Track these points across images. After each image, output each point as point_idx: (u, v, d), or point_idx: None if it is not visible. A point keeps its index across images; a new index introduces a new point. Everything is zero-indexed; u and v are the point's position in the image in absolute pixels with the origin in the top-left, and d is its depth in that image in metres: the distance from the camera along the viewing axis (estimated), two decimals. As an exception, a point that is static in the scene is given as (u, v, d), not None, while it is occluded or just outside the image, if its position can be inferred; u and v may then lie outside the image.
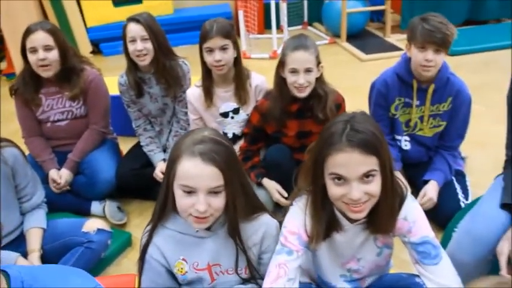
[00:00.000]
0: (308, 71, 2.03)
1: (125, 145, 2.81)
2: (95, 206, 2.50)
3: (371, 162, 1.21)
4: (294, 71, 2.04)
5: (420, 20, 2.06)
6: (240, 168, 1.35)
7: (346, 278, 1.49)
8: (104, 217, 2.44)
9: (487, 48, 4.58)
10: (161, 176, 2.36)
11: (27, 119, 2.48)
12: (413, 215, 1.36)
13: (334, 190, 1.25)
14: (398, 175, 2.14)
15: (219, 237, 1.39)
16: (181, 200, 1.26)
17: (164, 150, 2.61)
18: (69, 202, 2.47)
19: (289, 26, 5.38)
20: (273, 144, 2.32)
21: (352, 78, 4.02)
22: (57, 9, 5.37)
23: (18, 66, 4.89)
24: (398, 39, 5.05)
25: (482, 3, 5.22)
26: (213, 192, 1.24)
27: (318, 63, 2.08)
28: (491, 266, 1.58)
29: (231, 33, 2.24)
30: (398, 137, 2.33)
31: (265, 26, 5.68)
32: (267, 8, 5.42)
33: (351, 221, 1.35)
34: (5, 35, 4.98)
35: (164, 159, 2.51)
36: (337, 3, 5.21)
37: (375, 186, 1.24)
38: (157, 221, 1.39)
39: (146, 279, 1.42)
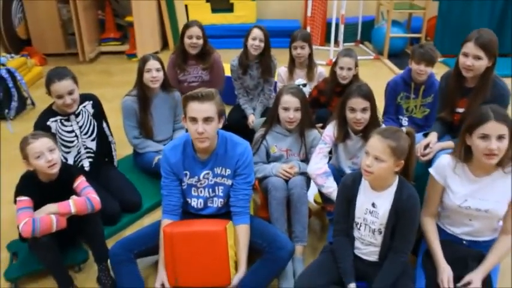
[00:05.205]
0: (349, 69, 3.41)
1: (227, 109, 4.11)
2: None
3: None
4: (342, 68, 3.42)
5: (418, 46, 3.37)
6: (307, 103, 2.82)
7: (351, 168, 2.88)
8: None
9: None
10: (252, 124, 3.79)
11: (173, 78, 3.84)
12: None
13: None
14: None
15: (294, 136, 2.84)
16: (282, 114, 2.75)
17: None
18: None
19: (344, 42, 6.73)
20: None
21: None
22: (170, 9, 6.88)
23: (140, 48, 6.47)
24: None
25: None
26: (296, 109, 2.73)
27: (356, 65, 3.45)
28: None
29: (308, 37, 3.76)
30: (400, 117, 3.63)
31: (326, 39, 7.09)
32: (328, 26, 6.85)
33: (355, 133, 2.77)
34: (135, 25, 6.51)
35: (253, 113, 3.96)
36: (384, 28, 6.57)
37: None
38: (268, 126, 2.85)
39: (256, 156, 2.84)
